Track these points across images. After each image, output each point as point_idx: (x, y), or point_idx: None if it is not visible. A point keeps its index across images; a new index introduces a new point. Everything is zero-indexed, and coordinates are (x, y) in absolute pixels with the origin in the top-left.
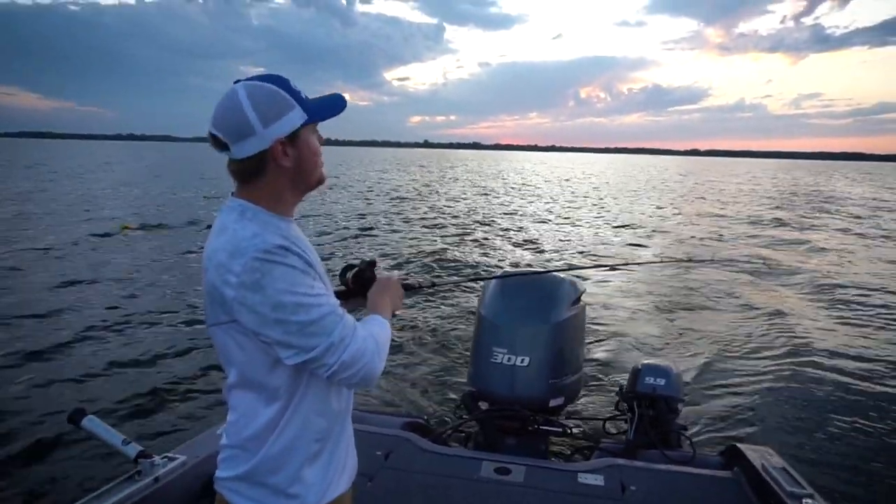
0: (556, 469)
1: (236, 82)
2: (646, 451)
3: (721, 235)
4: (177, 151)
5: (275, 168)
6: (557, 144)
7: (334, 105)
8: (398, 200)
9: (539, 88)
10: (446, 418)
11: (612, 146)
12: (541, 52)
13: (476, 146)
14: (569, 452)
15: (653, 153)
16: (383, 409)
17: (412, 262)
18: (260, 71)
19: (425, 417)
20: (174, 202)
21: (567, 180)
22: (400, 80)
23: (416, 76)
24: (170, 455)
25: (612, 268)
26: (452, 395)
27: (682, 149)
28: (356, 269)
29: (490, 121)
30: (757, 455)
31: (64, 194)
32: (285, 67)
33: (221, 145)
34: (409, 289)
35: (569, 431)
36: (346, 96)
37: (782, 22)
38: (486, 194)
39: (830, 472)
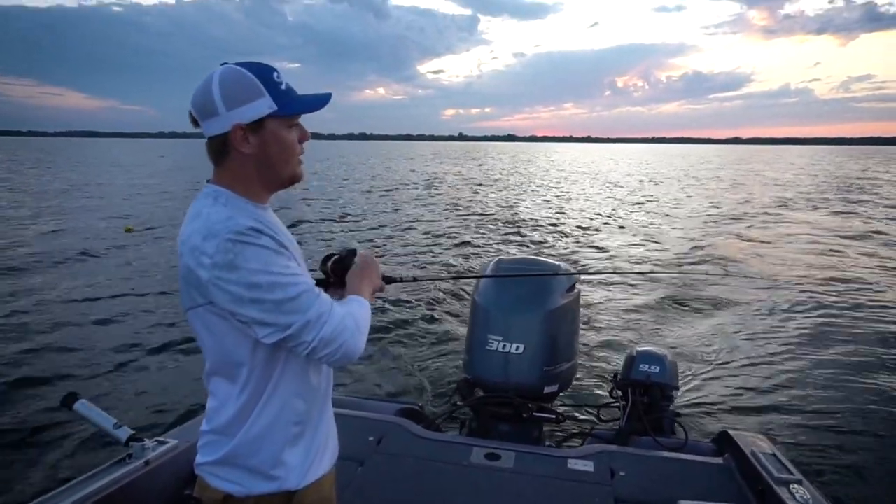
0: (545, 455)
1: (222, 64)
2: (638, 438)
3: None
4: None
5: (237, 153)
6: (593, 135)
7: (310, 102)
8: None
9: (575, 78)
10: (441, 405)
11: (650, 136)
12: (577, 42)
13: (511, 138)
14: (562, 440)
15: (692, 142)
16: (378, 395)
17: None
18: (296, 67)
19: (420, 404)
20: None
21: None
22: (434, 72)
23: (451, 69)
24: (161, 439)
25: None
26: (449, 383)
27: (723, 137)
28: (336, 256)
29: (525, 112)
30: (748, 441)
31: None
32: (320, 62)
33: (194, 121)
34: (390, 281)
35: (562, 419)
36: (381, 90)
37: (831, 1)
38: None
39: (820, 458)
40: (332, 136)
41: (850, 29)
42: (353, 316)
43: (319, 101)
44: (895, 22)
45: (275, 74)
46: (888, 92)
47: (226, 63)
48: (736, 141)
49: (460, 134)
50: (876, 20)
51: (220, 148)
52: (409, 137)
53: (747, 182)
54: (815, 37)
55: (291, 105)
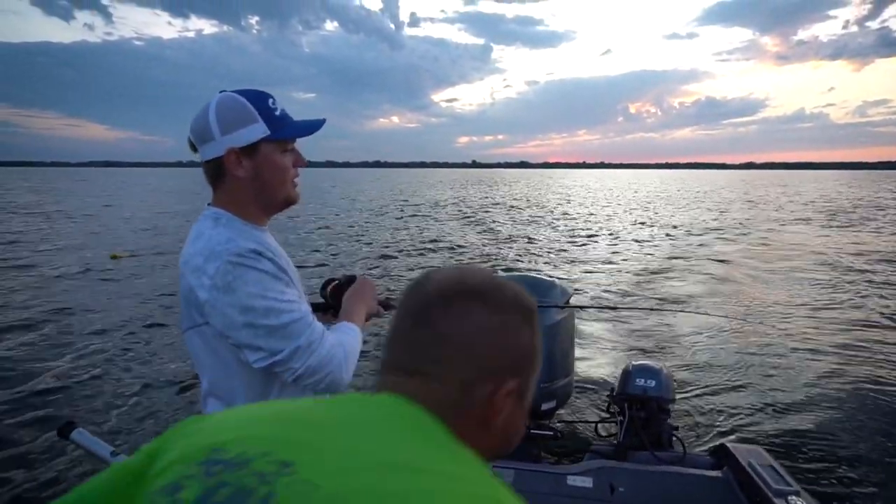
0: (544, 472)
1: (221, 92)
2: (636, 453)
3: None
4: None
5: (231, 176)
6: (606, 161)
7: (302, 127)
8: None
9: (588, 105)
10: None
11: (663, 161)
12: (589, 69)
13: (524, 165)
14: (560, 456)
15: (706, 167)
16: None
17: None
18: (311, 97)
19: None
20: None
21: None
22: (447, 101)
23: (464, 97)
24: None
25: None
26: None
27: (737, 162)
28: (336, 282)
29: (538, 139)
30: (746, 453)
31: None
32: (335, 92)
33: (193, 147)
34: (390, 307)
35: (560, 435)
36: (395, 119)
37: (845, 27)
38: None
39: (818, 469)
40: (346, 164)
41: (864, 54)
42: (343, 346)
43: (311, 127)
44: None
45: (269, 101)
46: None
47: (224, 90)
48: (750, 166)
49: (473, 161)
50: (891, 45)
51: (215, 171)
52: (422, 165)
53: (763, 204)
54: (829, 62)
55: (284, 130)
